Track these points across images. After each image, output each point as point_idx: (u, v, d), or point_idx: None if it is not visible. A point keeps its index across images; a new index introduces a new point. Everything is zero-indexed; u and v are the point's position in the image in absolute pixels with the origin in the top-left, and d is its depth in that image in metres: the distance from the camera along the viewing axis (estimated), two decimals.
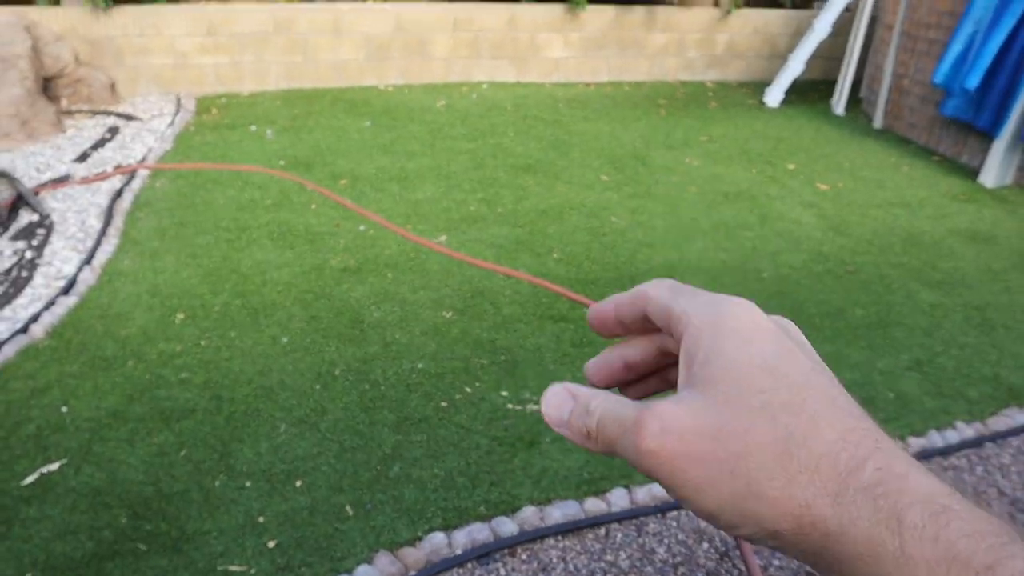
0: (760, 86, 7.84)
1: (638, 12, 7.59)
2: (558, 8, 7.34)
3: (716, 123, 6.56)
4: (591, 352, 3.18)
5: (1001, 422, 3.01)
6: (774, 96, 7.31)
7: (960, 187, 5.43)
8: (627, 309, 0.44)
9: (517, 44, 7.34)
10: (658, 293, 0.42)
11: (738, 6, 7.84)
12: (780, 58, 8.04)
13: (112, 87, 6.38)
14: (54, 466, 2.53)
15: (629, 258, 4.00)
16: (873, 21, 7.38)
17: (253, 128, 5.79)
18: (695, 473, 0.34)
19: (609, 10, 7.49)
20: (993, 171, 5.50)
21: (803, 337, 0.40)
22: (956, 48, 5.80)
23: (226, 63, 6.70)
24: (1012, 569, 0.30)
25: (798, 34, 8.03)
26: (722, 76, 8.15)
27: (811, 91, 7.79)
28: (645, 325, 0.44)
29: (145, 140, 5.59)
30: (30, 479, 2.47)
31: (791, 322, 0.41)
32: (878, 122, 6.84)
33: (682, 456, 0.35)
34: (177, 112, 6.19)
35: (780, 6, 8.63)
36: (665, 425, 0.35)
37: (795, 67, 7.28)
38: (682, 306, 0.40)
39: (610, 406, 0.39)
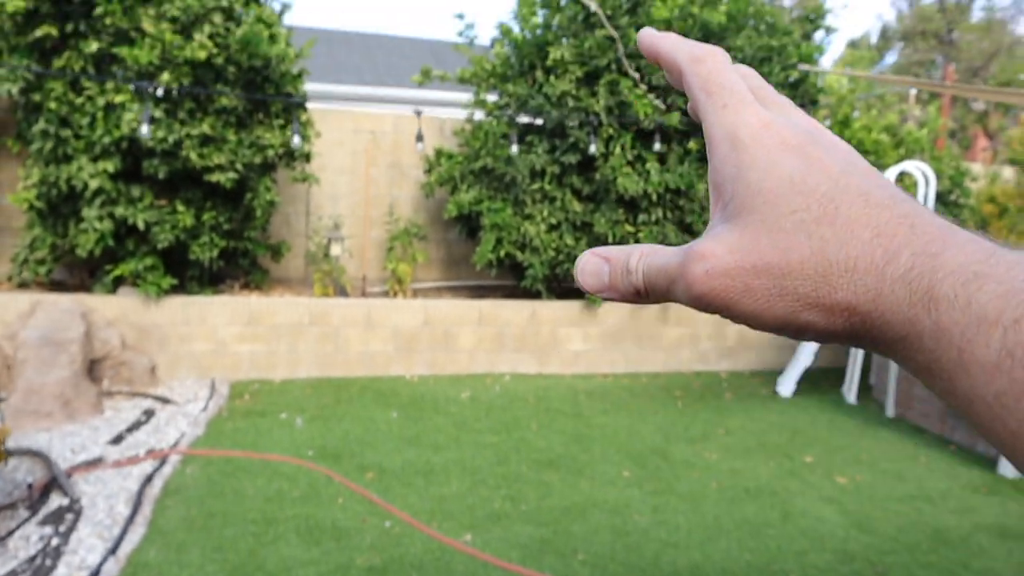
0: (772, 375, 8.12)
1: (652, 308, 8.08)
2: (576, 304, 7.85)
3: (732, 415, 6.74)
4: None
5: None
6: (787, 387, 7.55)
7: (981, 479, 5.44)
8: (669, 63, 0.44)
9: (538, 338, 7.76)
10: (691, 83, 0.42)
11: None
12: (789, 348, 8.39)
13: (152, 370, 6.71)
14: None
15: (654, 560, 3.97)
16: None
17: (284, 416, 6.00)
18: (748, 303, 0.37)
19: (625, 307, 7.98)
20: None
21: (829, 135, 0.40)
22: None
23: (262, 351, 7.08)
24: None
25: None
26: (735, 366, 8.47)
27: (822, 380, 8.04)
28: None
29: (179, 424, 5.77)
30: None
31: (814, 121, 0.41)
32: (890, 410, 6.99)
33: (732, 291, 0.37)
34: (211, 397, 6.44)
35: None
36: (710, 267, 0.37)
37: (805, 359, 7.58)
38: (708, 120, 0.41)
39: (652, 260, 0.40)
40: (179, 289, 7.10)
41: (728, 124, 0.39)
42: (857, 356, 7.50)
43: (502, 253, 7.52)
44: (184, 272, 7.18)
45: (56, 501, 4.39)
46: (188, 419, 5.89)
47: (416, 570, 3.74)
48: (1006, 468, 5.55)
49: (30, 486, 4.42)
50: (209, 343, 6.98)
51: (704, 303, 0.38)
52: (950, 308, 0.32)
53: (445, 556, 3.90)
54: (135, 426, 5.71)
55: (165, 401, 6.29)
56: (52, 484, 4.56)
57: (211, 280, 7.60)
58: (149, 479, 4.70)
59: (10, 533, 4.02)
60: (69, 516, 4.24)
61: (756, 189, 0.37)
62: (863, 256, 0.34)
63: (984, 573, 4.06)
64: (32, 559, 3.80)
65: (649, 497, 4.79)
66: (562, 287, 8.22)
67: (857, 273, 0.34)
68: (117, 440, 5.40)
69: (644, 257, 0.40)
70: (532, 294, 8.02)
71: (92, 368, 6.41)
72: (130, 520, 4.18)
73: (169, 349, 6.90)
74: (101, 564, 3.73)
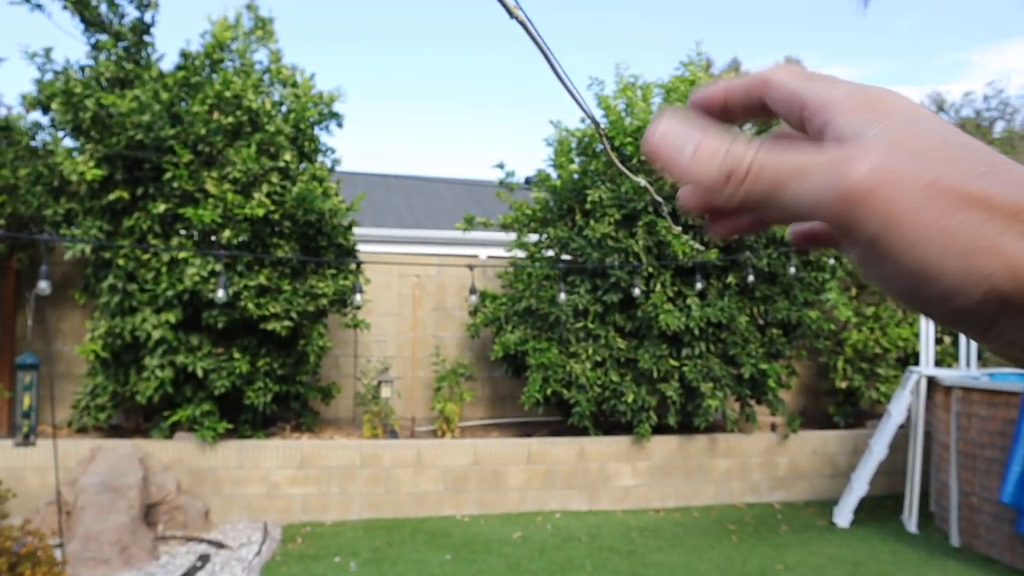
0: (827, 504, 7.95)
1: (700, 440, 8.06)
2: (624, 440, 7.86)
3: (790, 549, 6.59)
4: None
5: None
6: (844, 517, 7.38)
7: None
8: (739, 95, 0.39)
9: (588, 474, 7.75)
10: (785, 79, 0.37)
11: (795, 430, 8.27)
12: (842, 476, 8.25)
13: (206, 514, 6.78)
14: None
15: None
16: (927, 436, 7.69)
17: (337, 559, 6.00)
18: (917, 221, 0.29)
19: (673, 440, 7.98)
20: None
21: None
22: (1016, 468, 5.97)
23: (313, 493, 7.14)
24: None
25: (856, 452, 8.32)
26: (788, 496, 8.31)
27: (879, 508, 7.85)
28: (756, 114, 0.40)
29: (233, 570, 5.79)
30: None
31: None
32: (954, 540, 6.79)
33: (905, 199, 0.29)
34: (264, 540, 6.47)
35: (835, 426, 9.06)
36: (880, 162, 0.30)
37: (859, 487, 7.45)
38: (821, 93, 0.35)
39: (771, 147, 0.33)
40: (232, 433, 7.27)
41: (851, 88, 0.35)
42: (915, 482, 7.35)
43: (549, 392, 7.63)
44: (238, 416, 7.37)
45: None
46: (242, 564, 5.92)
47: None
48: None
49: None
50: (262, 486, 7.07)
51: (858, 207, 0.30)
52: None
53: None
54: (190, 572, 5.74)
55: (219, 546, 6.34)
56: None
57: (263, 423, 7.77)
58: None
59: None
60: None
61: (905, 134, 0.32)
62: None
63: None
64: None
65: None
66: (609, 422, 8.25)
67: None
68: None
69: (758, 143, 0.34)
70: (579, 430, 8.05)
71: (148, 512, 6.50)
72: None
73: (222, 493, 7.00)
74: None
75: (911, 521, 7.25)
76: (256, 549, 6.29)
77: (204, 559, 6.05)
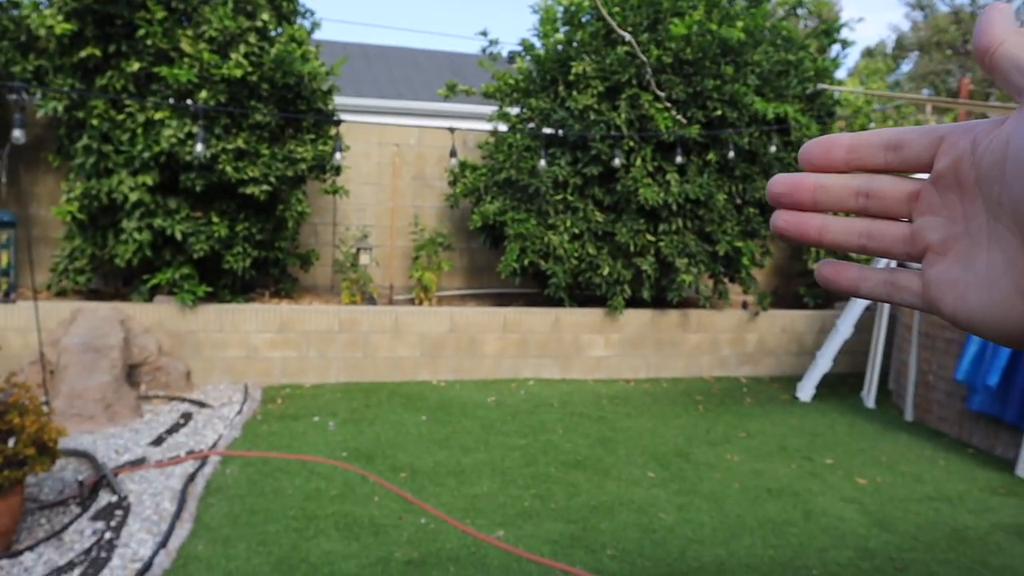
0: (791, 381, 8.25)
1: (673, 315, 8.24)
2: (598, 312, 8.03)
3: (753, 419, 6.88)
4: None
5: None
6: (806, 391, 7.68)
7: (998, 480, 5.56)
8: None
9: (562, 344, 7.95)
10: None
11: (765, 308, 8.48)
12: (808, 354, 8.52)
13: (187, 375, 6.93)
14: None
15: (680, 555, 4.14)
16: (893, 319, 7.93)
17: (316, 419, 6.20)
18: None
19: (646, 313, 8.15)
20: None
21: None
22: (972, 348, 6.21)
23: (293, 357, 7.29)
24: None
25: (823, 331, 8.58)
26: (754, 372, 8.61)
27: (841, 385, 8.16)
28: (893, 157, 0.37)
29: (216, 427, 5.98)
30: None
31: None
32: (909, 415, 7.11)
33: None
34: (245, 401, 6.65)
35: (804, 306, 9.28)
36: None
37: (823, 364, 7.71)
38: None
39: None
40: (212, 297, 7.33)
41: None
42: (876, 361, 7.62)
43: (526, 262, 7.71)
44: (217, 281, 7.42)
45: (105, 498, 4.59)
46: (224, 422, 6.09)
47: (453, 563, 3.92)
48: (1023, 470, 5.68)
49: (81, 483, 4.63)
50: (242, 349, 7.20)
51: None
52: None
53: (480, 551, 4.08)
54: (174, 428, 5.91)
55: (201, 405, 6.51)
56: (100, 482, 4.76)
57: (243, 289, 7.83)
58: (192, 478, 4.90)
59: (65, 527, 4.23)
60: (118, 512, 4.44)
61: None
62: None
63: (1002, 571, 4.17)
64: (88, 551, 4.00)
65: (674, 496, 4.95)
66: (584, 295, 8.40)
67: None
68: (158, 442, 5.61)
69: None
70: (555, 301, 8.20)
71: (130, 373, 6.63)
72: (176, 516, 4.38)
73: (203, 355, 7.12)
74: (153, 556, 3.92)
75: (870, 397, 7.56)
76: (237, 408, 6.46)
77: (187, 417, 6.22)
